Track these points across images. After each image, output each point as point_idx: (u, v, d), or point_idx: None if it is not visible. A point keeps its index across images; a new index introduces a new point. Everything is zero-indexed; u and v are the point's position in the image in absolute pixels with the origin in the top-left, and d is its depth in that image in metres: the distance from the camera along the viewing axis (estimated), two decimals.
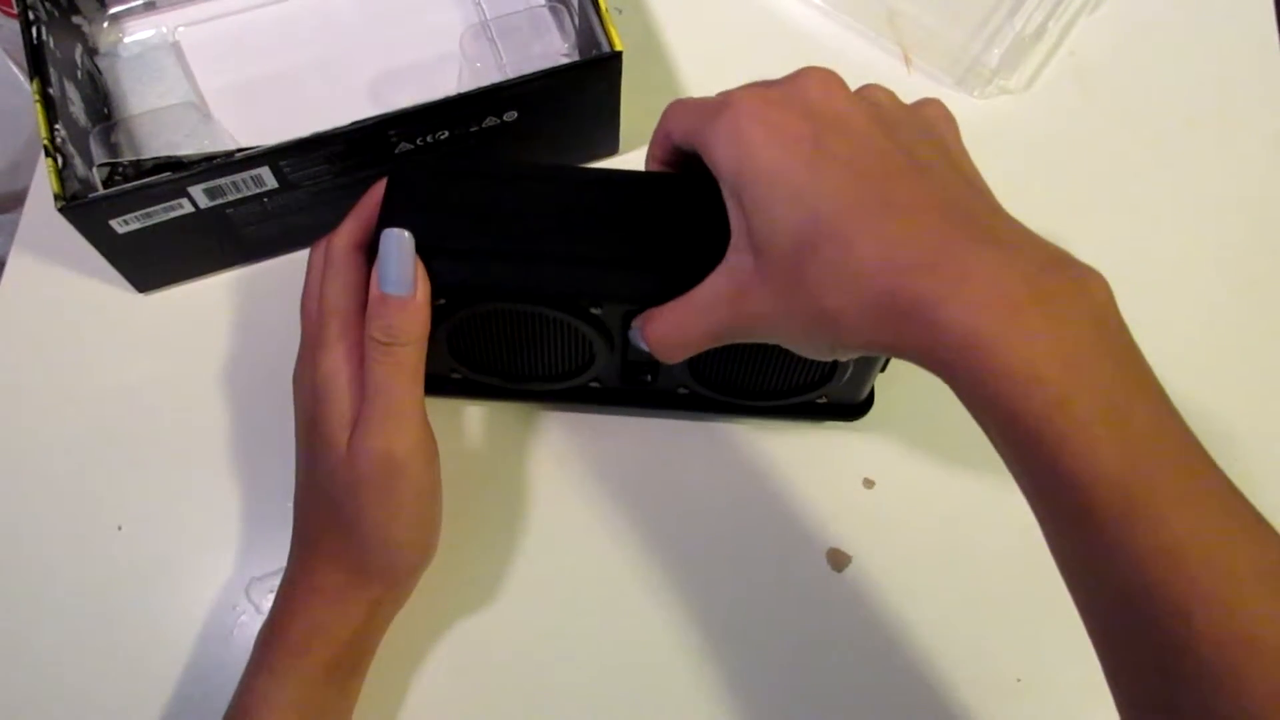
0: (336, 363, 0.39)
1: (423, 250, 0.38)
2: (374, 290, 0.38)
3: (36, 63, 0.46)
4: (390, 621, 0.42)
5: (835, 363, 0.44)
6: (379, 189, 0.42)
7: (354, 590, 0.40)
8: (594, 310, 0.41)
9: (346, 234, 0.41)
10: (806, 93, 0.34)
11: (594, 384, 0.47)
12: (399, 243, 0.38)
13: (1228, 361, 0.52)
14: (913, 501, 0.48)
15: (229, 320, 0.52)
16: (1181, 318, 0.53)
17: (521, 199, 0.41)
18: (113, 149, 0.48)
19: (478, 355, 0.45)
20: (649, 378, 0.46)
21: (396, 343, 0.38)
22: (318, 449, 0.39)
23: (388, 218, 0.40)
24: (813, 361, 0.44)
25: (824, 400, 0.47)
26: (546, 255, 0.40)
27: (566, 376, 0.46)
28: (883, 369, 0.46)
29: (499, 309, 0.41)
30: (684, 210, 0.39)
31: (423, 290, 0.38)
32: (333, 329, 0.40)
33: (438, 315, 0.40)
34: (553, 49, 0.52)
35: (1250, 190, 0.56)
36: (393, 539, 0.39)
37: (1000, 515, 0.48)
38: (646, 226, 0.40)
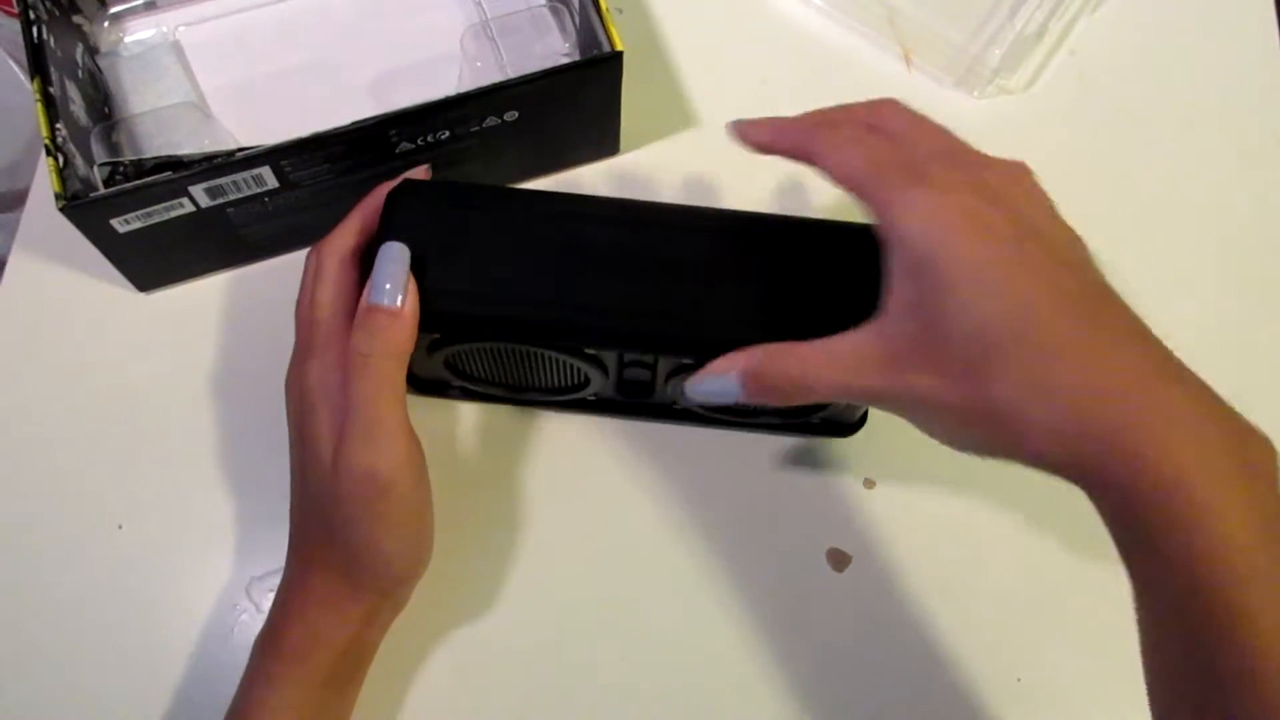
0: (324, 372, 0.39)
1: (418, 275, 0.38)
2: (362, 301, 0.38)
3: (37, 62, 0.46)
4: (388, 628, 0.42)
5: None
6: (377, 195, 0.42)
7: (349, 598, 0.39)
8: (589, 351, 0.41)
9: (340, 240, 0.41)
10: (1010, 192, 0.34)
11: (590, 397, 0.47)
12: (394, 256, 0.38)
13: (1229, 361, 0.52)
14: (913, 501, 0.48)
15: (229, 320, 0.52)
16: (1182, 318, 0.52)
17: (522, 230, 0.40)
18: (113, 148, 0.48)
19: (474, 375, 0.46)
20: (648, 395, 0.46)
21: (377, 355, 0.37)
22: (307, 459, 0.39)
23: (385, 232, 0.40)
24: None
25: (818, 420, 0.47)
26: (543, 294, 0.40)
27: (563, 392, 0.47)
28: None
29: (494, 346, 0.42)
30: (687, 252, 0.40)
31: (411, 304, 0.38)
32: (320, 336, 0.39)
33: (432, 346, 0.41)
34: (553, 49, 0.52)
35: (1251, 190, 0.56)
36: (383, 552, 0.39)
37: (1001, 515, 0.48)
38: (644, 267, 0.40)
